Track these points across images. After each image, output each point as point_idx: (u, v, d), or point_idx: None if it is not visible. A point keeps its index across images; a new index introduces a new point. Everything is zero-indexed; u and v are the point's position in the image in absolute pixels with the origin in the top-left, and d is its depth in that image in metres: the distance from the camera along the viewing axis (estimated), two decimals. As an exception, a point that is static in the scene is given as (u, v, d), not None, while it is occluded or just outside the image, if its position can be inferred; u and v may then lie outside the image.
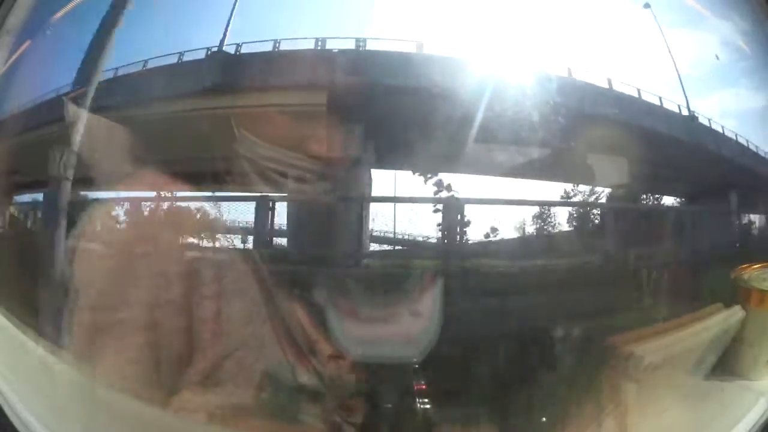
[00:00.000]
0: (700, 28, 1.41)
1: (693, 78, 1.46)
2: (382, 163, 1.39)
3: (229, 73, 1.38)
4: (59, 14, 1.41)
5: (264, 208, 1.37)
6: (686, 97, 1.42)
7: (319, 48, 1.31)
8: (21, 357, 1.23)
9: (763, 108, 1.40)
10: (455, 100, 1.28)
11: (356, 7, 1.38)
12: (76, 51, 1.44)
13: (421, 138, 1.29)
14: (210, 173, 1.38)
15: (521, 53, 1.33)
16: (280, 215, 1.44)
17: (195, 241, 1.39)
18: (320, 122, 1.31)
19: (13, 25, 1.30)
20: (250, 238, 1.45)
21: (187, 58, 1.40)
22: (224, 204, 1.43)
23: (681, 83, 1.43)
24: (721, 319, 1.29)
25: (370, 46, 1.35)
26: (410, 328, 1.24)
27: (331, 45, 1.35)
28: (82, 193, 1.51)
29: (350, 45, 1.34)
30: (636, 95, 1.42)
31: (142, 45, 1.39)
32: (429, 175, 1.32)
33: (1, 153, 1.47)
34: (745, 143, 1.46)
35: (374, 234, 1.36)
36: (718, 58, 1.38)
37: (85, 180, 1.41)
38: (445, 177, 1.32)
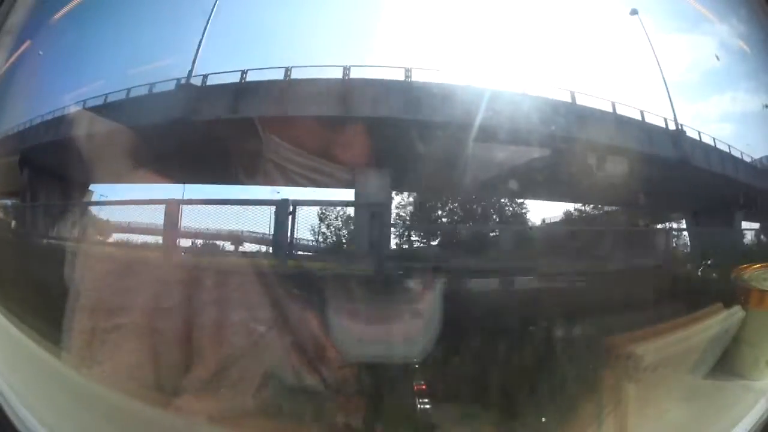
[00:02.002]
0: (701, 30, 1.41)
1: (693, 80, 1.46)
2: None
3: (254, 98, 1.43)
4: (59, 14, 1.41)
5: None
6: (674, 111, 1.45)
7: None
8: (21, 357, 1.23)
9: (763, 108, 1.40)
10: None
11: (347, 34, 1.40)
12: (77, 52, 1.44)
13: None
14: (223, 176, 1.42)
15: (517, 76, 1.37)
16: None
17: (196, 246, 1.40)
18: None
19: (13, 25, 1.29)
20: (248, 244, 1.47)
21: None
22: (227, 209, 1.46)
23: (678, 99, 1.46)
24: (721, 319, 1.30)
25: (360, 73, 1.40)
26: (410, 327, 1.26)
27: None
28: (84, 196, 1.52)
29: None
30: (638, 118, 1.45)
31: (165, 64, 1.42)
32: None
33: (3, 159, 1.48)
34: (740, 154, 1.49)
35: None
36: (718, 59, 1.39)
37: (87, 184, 1.42)
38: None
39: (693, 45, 1.43)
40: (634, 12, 1.38)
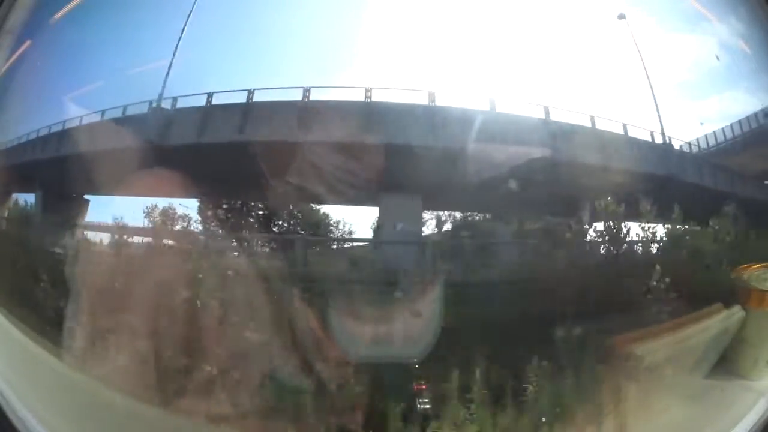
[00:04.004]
0: (702, 29, 1.41)
1: (693, 80, 1.46)
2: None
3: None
4: (59, 14, 1.40)
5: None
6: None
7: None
8: (21, 357, 1.22)
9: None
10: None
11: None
12: (77, 51, 1.45)
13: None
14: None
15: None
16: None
17: (199, 249, 1.41)
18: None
19: (13, 25, 1.29)
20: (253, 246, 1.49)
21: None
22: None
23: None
24: (721, 319, 1.30)
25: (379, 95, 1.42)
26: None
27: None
28: (86, 198, 1.52)
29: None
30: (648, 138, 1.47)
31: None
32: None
33: (6, 161, 1.48)
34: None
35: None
36: (718, 59, 1.38)
37: (89, 186, 1.43)
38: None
39: (692, 45, 1.43)
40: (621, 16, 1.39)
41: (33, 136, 1.50)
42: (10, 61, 1.34)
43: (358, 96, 1.40)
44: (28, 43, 1.37)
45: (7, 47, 1.31)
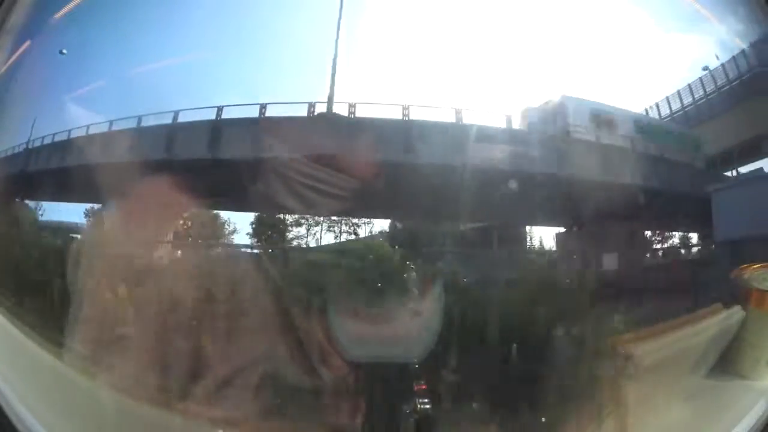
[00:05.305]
0: (701, 29, 1.41)
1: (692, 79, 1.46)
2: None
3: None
4: (59, 14, 1.41)
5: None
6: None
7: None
8: (21, 357, 1.23)
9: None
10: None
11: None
12: (78, 51, 1.45)
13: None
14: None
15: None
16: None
17: (205, 254, 1.41)
18: None
19: (13, 25, 1.29)
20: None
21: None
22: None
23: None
24: (721, 319, 1.30)
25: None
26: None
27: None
28: (89, 202, 1.53)
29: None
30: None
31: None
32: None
33: (10, 162, 1.49)
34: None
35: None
36: (718, 58, 1.39)
37: (91, 189, 1.43)
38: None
39: (692, 44, 1.43)
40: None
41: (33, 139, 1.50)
42: (11, 61, 1.35)
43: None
44: (28, 43, 1.37)
45: (7, 47, 1.31)
